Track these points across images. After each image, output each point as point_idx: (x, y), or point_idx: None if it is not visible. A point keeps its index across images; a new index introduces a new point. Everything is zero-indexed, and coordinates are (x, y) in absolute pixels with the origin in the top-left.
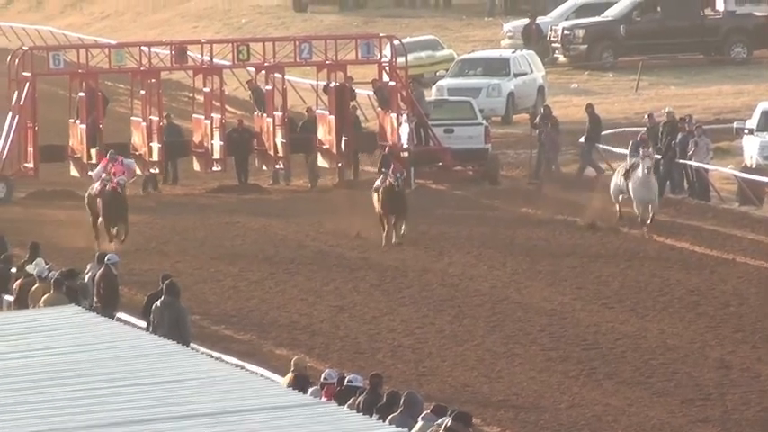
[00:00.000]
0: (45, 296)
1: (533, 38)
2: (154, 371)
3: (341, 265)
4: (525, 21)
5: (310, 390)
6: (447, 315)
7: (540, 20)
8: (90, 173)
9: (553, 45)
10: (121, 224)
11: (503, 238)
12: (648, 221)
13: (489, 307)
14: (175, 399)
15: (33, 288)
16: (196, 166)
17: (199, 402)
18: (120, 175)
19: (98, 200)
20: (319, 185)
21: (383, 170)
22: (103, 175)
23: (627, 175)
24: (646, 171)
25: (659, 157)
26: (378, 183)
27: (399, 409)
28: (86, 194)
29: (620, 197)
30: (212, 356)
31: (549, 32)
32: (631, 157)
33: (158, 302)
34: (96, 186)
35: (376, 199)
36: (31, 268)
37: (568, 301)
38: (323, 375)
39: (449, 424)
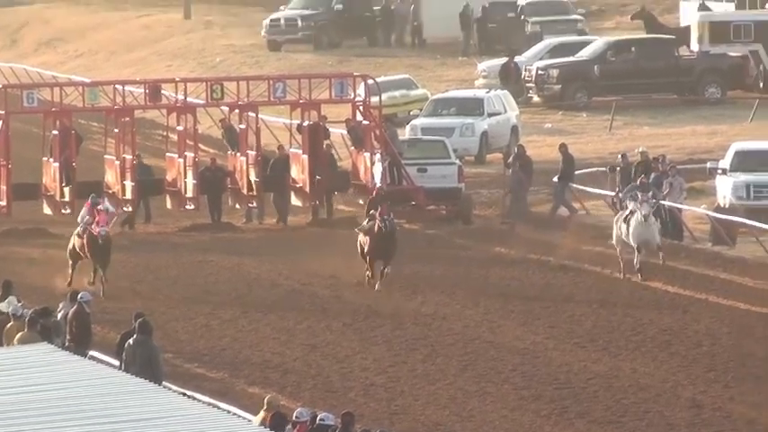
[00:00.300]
0: (19, 334)
1: (512, 77)
2: (127, 409)
3: (314, 303)
4: (500, 60)
5: (285, 427)
6: (419, 354)
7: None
8: (63, 211)
9: (527, 85)
10: (101, 266)
11: (476, 278)
12: (661, 262)
13: (462, 346)
14: None
15: (8, 326)
16: (169, 205)
17: None
18: (102, 225)
19: (82, 242)
20: (293, 224)
21: (371, 212)
22: (87, 218)
23: (626, 220)
24: (645, 208)
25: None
26: (365, 224)
27: None
28: (72, 237)
29: (621, 245)
30: (185, 395)
31: (524, 72)
32: (630, 201)
33: (131, 341)
34: (80, 230)
35: (361, 241)
36: (4, 306)
37: (541, 341)
38: (295, 414)
39: None
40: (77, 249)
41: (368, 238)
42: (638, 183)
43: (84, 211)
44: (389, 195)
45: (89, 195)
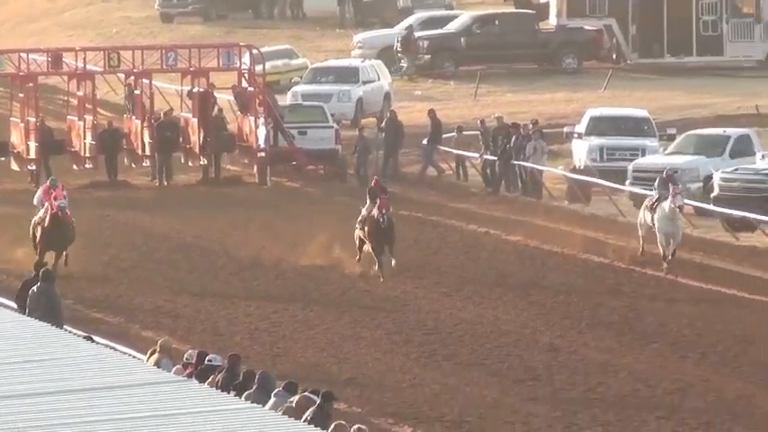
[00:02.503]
0: None
1: (411, 48)
2: (31, 350)
3: (203, 255)
4: (375, 32)
5: (174, 368)
6: (299, 302)
7: (386, 31)
8: None
9: (398, 55)
10: (58, 247)
11: (348, 233)
12: (669, 257)
13: (338, 295)
14: (51, 375)
15: None
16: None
17: (72, 379)
18: (60, 199)
19: (39, 227)
20: (184, 182)
21: (369, 201)
22: (45, 202)
23: (652, 208)
24: (677, 201)
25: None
26: (364, 212)
27: (254, 387)
28: (32, 221)
29: (646, 230)
30: (91, 338)
31: (396, 43)
32: (658, 192)
33: (35, 288)
34: (41, 213)
35: (360, 235)
36: None
37: (411, 290)
38: (185, 356)
39: (320, 403)
40: (35, 233)
41: (366, 231)
42: (664, 175)
43: (39, 193)
44: (273, 156)
45: None
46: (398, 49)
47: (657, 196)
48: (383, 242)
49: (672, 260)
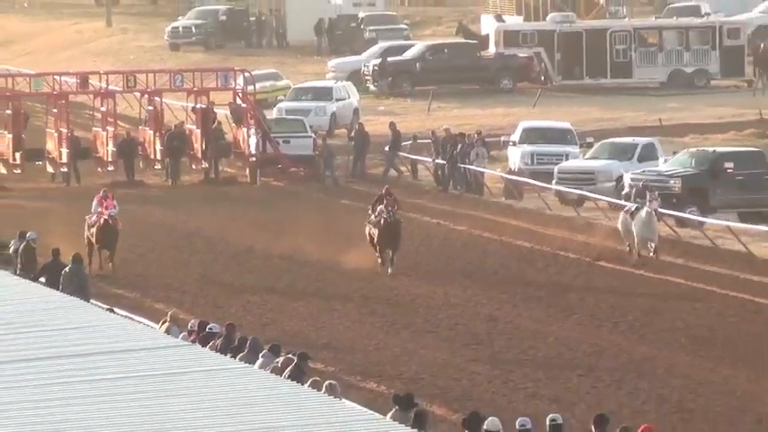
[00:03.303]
0: None
1: (386, 72)
2: (60, 319)
3: (204, 242)
4: (346, 58)
5: (180, 335)
6: (284, 280)
7: (352, 59)
8: (14, 171)
9: (365, 77)
10: (111, 249)
11: (328, 224)
12: (651, 254)
13: (315, 274)
14: (79, 340)
15: None
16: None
17: (97, 343)
18: (111, 209)
19: (92, 229)
20: (189, 182)
21: (378, 206)
22: (98, 209)
23: (632, 215)
24: (652, 212)
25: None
26: (372, 217)
27: (246, 350)
28: (86, 224)
29: (626, 235)
30: (112, 310)
31: (363, 69)
32: (635, 202)
33: (67, 269)
34: (93, 218)
35: (370, 232)
36: None
37: (375, 271)
38: (189, 324)
39: (297, 362)
40: (90, 238)
41: (376, 229)
42: (640, 185)
43: (94, 203)
44: (262, 161)
45: (34, 160)
46: (375, 73)
47: (635, 206)
48: (389, 238)
49: (655, 258)
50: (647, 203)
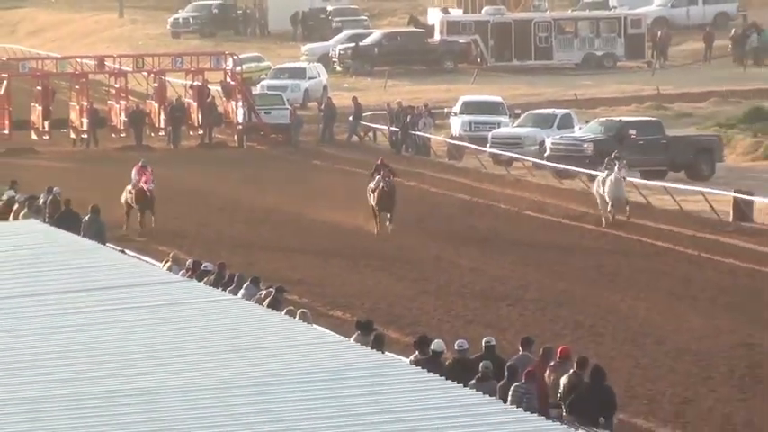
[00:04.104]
0: (22, 212)
1: (359, 54)
2: (80, 259)
3: (200, 196)
4: (318, 44)
5: (180, 273)
6: (266, 227)
7: (322, 45)
8: (44, 137)
9: (332, 60)
10: (150, 210)
11: (302, 179)
12: (613, 215)
13: (292, 222)
14: (92, 276)
15: (15, 207)
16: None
17: (109, 279)
18: (150, 183)
19: (131, 195)
20: (187, 146)
21: (376, 175)
22: (135, 177)
23: (603, 182)
24: (621, 178)
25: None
26: (372, 185)
27: (234, 284)
28: (124, 191)
29: (601, 201)
30: (123, 251)
31: (331, 52)
32: (606, 170)
33: (86, 218)
34: (130, 187)
35: (370, 197)
36: (6, 195)
37: (340, 219)
38: (187, 263)
39: (275, 294)
40: (129, 201)
41: (375, 195)
42: (612, 156)
43: (133, 173)
44: (247, 128)
45: (60, 128)
46: (349, 55)
47: (605, 173)
48: (386, 203)
49: (626, 218)
50: (617, 170)
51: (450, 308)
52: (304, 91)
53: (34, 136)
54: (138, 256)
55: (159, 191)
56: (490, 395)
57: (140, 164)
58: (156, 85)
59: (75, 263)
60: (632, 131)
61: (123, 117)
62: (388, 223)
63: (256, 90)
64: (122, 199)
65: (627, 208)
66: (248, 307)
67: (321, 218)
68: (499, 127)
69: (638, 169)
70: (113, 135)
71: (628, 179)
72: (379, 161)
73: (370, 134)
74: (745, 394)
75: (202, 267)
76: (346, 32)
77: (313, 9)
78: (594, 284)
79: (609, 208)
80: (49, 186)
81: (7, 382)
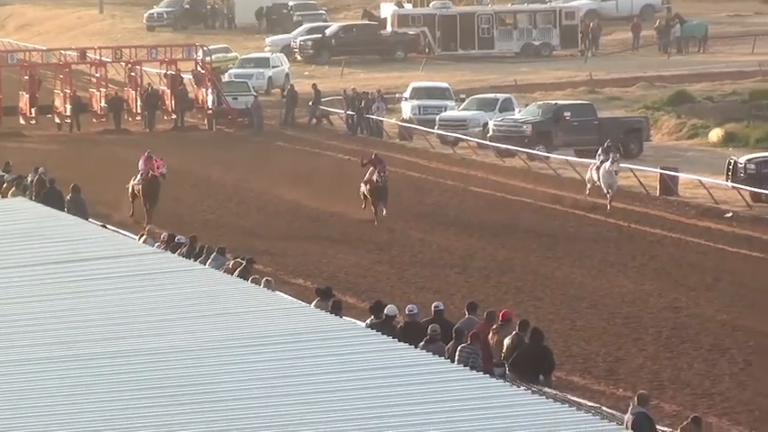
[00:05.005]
0: (11, 190)
1: (325, 44)
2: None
3: (173, 174)
4: (280, 36)
5: (155, 245)
6: (233, 202)
7: (284, 37)
8: (31, 122)
9: (294, 50)
10: (153, 201)
11: (265, 160)
12: (609, 200)
13: (257, 197)
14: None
15: (4, 186)
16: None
17: (88, 251)
18: (162, 168)
19: (139, 186)
20: (162, 130)
21: (369, 166)
22: (142, 168)
23: (598, 169)
24: (614, 166)
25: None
26: (367, 176)
27: (204, 255)
28: (131, 182)
29: (592, 183)
30: (104, 226)
31: (292, 44)
32: (600, 157)
33: (69, 196)
34: (138, 177)
35: (363, 190)
36: None
37: (300, 194)
38: (162, 236)
39: (245, 264)
40: (135, 191)
41: (368, 187)
42: (605, 145)
43: (141, 163)
44: (216, 113)
45: (45, 113)
46: (316, 45)
47: (601, 160)
48: (380, 197)
49: (608, 202)
50: (610, 161)
51: (402, 276)
52: (268, 79)
53: (22, 121)
54: (117, 230)
55: (134, 170)
56: (439, 355)
57: (146, 154)
58: (132, 74)
59: (59, 236)
60: (567, 114)
61: (103, 103)
62: (383, 214)
63: (224, 78)
64: (129, 187)
65: (611, 192)
66: (217, 276)
67: (285, 194)
68: (446, 110)
69: (572, 148)
70: (94, 120)
71: (610, 166)
72: (373, 155)
73: (324, 120)
74: (672, 353)
75: (176, 240)
76: (306, 25)
77: (276, 4)
78: (534, 254)
79: (606, 195)
80: (36, 167)
81: None
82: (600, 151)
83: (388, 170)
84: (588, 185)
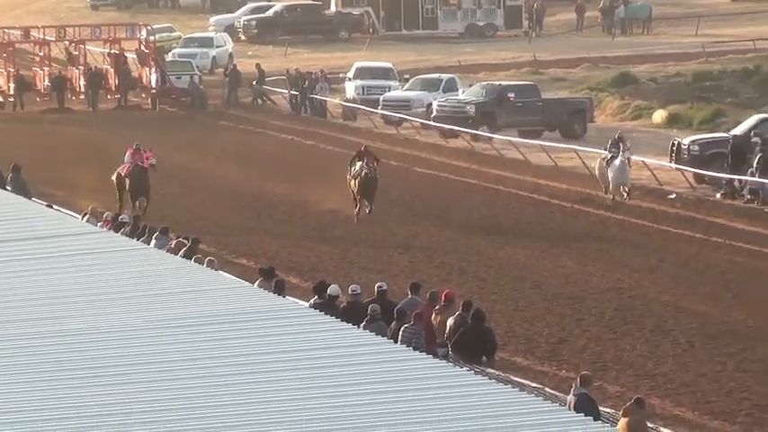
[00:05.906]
0: None
1: (276, 24)
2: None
3: (116, 152)
4: (223, 16)
5: (98, 224)
6: (177, 182)
7: (230, 15)
8: None
9: (238, 30)
10: (145, 196)
11: (208, 139)
12: (624, 198)
13: (200, 178)
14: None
15: None
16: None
17: (31, 230)
18: (151, 159)
19: (126, 179)
20: (105, 108)
21: (357, 161)
22: (130, 160)
23: (608, 163)
24: (625, 161)
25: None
26: (356, 169)
27: (146, 235)
28: (115, 173)
29: (603, 179)
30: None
31: (236, 23)
32: (610, 151)
33: (9, 177)
34: (126, 168)
35: (352, 183)
36: None
37: (245, 174)
38: (104, 215)
39: (190, 245)
40: (121, 184)
41: (356, 182)
42: (616, 137)
43: (127, 155)
44: (160, 92)
45: None
46: (265, 24)
47: (610, 155)
48: (368, 190)
49: (627, 200)
50: (621, 153)
51: (345, 256)
52: (212, 58)
53: None
54: (61, 209)
55: (78, 149)
56: (380, 335)
57: (134, 146)
58: (76, 53)
59: (1, 215)
60: (511, 94)
61: (47, 82)
62: (368, 211)
63: (168, 57)
64: (113, 179)
65: (626, 189)
66: (160, 256)
67: (229, 173)
68: (390, 90)
69: (516, 129)
70: (38, 99)
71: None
72: (362, 148)
73: (268, 100)
74: (615, 334)
75: (120, 219)
76: (250, 5)
77: None
78: (477, 234)
79: (622, 191)
80: (15, 163)
81: None
82: (609, 144)
83: (378, 163)
84: (603, 186)
